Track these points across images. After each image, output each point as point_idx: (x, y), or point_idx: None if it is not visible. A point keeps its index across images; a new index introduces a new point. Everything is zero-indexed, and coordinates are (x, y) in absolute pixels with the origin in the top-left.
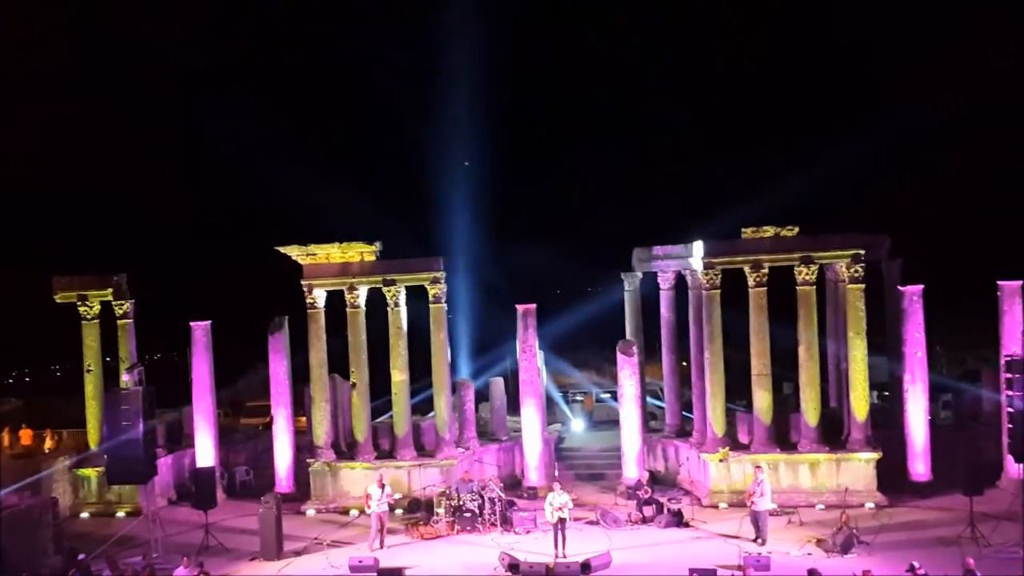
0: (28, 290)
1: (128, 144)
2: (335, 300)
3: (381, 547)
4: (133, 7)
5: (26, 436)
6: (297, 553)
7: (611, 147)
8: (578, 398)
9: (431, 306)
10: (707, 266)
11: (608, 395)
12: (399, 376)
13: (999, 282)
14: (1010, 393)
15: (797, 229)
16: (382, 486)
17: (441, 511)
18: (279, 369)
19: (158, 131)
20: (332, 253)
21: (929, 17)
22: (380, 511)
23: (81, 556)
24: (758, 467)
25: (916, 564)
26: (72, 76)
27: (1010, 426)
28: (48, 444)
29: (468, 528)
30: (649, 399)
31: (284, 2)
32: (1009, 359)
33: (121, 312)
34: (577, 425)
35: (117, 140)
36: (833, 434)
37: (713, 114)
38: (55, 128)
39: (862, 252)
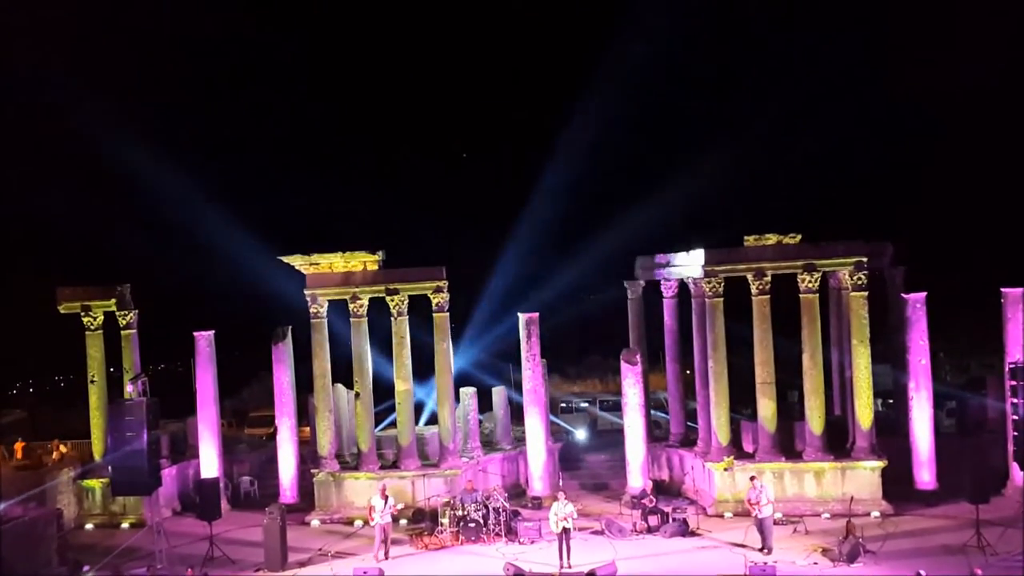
0: (32, 301)
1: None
2: (339, 309)
3: (386, 558)
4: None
5: (19, 450)
6: (302, 564)
7: (614, 151)
8: (581, 405)
9: (434, 315)
10: (709, 274)
11: (608, 404)
12: (403, 386)
13: (1002, 289)
14: (1015, 400)
15: (800, 237)
16: (385, 497)
17: (445, 521)
18: (283, 379)
19: (159, 135)
20: (335, 262)
21: (930, 19)
22: (384, 523)
23: (86, 567)
24: (752, 477)
25: (923, 572)
26: (69, 78)
27: (1015, 433)
28: (55, 455)
29: (472, 538)
30: (654, 412)
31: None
32: (1013, 366)
33: (125, 322)
34: (581, 435)
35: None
36: (838, 442)
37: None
38: (55, 135)
39: (865, 260)
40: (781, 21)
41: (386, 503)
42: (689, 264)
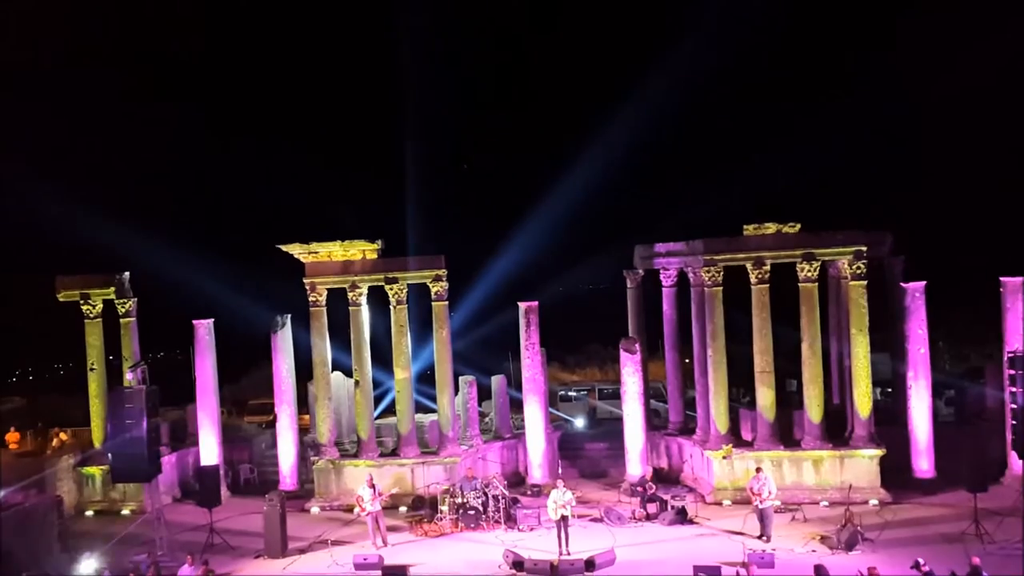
0: (31, 289)
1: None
2: (338, 298)
3: (384, 544)
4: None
5: (13, 439)
6: (302, 551)
7: (613, 140)
8: (576, 394)
9: (433, 304)
10: (709, 263)
11: (607, 392)
12: (402, 374)
13: (1002, 278)
14: (1013, 389)
15: (799, 226)
16: (372, 486)
17: (445, 509)
18: (282, 367)
19: (160, 129)
20: (334, 251)
21: (932, 11)
22: (375, 511)
23: (86, 554)
24: (758, 469)
25: (921, 561)
26: (68, 72)
27: (1014, 422)
28: (55, 442)
29: (472, 526)
30: (652, 400)
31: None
32: (1012, 355)
33: (124, 310)
34: (580, 423)
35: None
36: (837, 431)
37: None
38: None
39: (864, 249)
40: (783, 16)
41: (374, 492)
42: (688, 253)
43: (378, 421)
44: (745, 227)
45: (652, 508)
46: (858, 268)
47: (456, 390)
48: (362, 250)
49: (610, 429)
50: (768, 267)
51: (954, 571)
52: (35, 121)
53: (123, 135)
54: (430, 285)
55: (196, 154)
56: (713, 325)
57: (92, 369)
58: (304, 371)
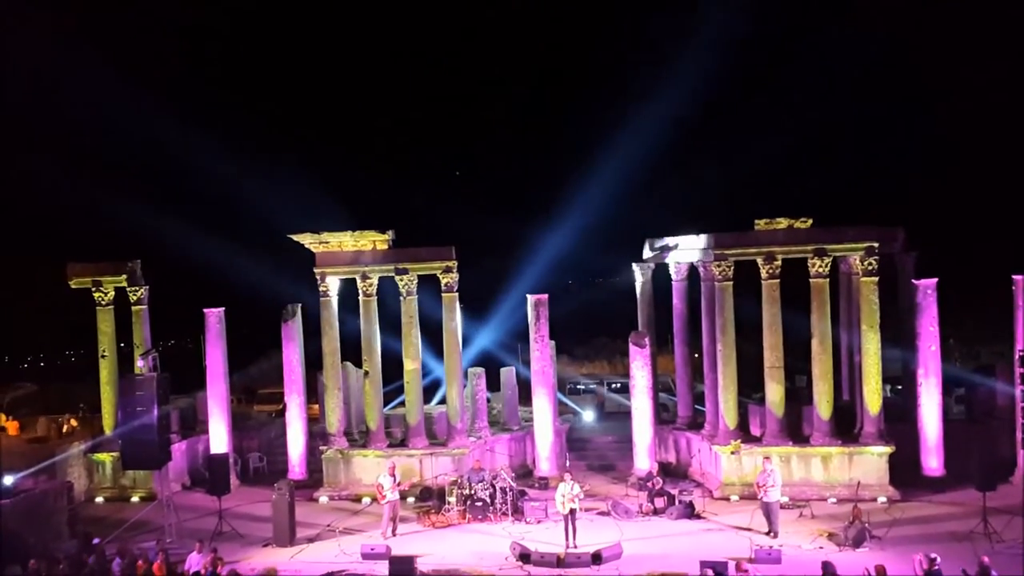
0: (43, 276)
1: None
2: (349, 288)
3: (393, 535)
4: None
5: (12, 428)
6: (310, 540)
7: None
8: (590, 387)
9: (443, 295)
10: (719, 257)
11: (616, 385)
12: (411, 365)
13: (1014, 276)
14: None
15: (811, 221)
16: (393, 475)
17: (453, 500)
18: (292, 357)
19: (166, 122)
20: (345, 241)
21: (942, 11)
22: (394, 499)
23: (96, 540)
24: (766, 458)
25: (937, 557)
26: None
27: (1023, 421)
28: (66, 428)
29: (480, 517)
30: (661, 394)
31: None
32: (1023, 353)
33: (135, 298)
34: (588, 416)
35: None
36: (846, 427)
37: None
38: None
39: (876, 245)
40: (796, 13)
41: (394, 481)
42: (699, 247)
43: (387, 411)
44: (756, 222)
45: (659, 502)
46: (869, 264)
47: (465, 381)
48: (373, 240)
49: (618, 423)
50: (779, 262)
51: (964, 569)
52: (44, 110)
53: (130, 123)
54: (440, 276)
55: (203, 146)
56: (723, 319)
57: (103, 356)
58: (315, 360)
